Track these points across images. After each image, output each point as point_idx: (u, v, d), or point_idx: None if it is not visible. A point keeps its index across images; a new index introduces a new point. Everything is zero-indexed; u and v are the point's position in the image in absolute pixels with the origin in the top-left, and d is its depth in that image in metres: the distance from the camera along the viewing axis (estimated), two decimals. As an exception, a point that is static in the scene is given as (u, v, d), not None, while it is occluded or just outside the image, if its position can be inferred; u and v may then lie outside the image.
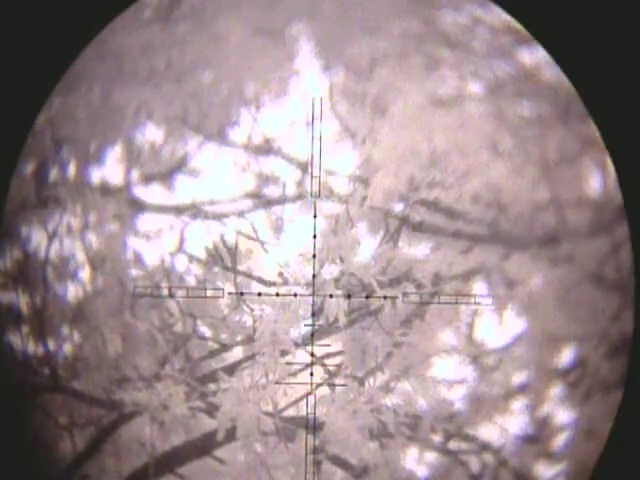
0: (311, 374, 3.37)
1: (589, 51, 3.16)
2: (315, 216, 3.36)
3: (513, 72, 3.35)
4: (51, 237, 3.40)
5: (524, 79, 3.35)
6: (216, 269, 3.40)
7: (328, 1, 3.37)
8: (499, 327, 3.39)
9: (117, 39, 3.40)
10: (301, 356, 3.39)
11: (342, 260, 3.38)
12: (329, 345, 3.40)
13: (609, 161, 3.35)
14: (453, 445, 3.41)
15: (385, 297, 3.37)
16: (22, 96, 3.16)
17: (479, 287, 3.39)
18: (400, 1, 3.35)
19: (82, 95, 3.41)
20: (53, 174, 3.42)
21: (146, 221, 3.40)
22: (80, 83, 3.41)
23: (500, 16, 3.35)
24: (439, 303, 3.37)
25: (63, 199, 3.41)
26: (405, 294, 3.37)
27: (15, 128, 3.17)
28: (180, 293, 3.38)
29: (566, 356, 3.39)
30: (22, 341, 3.39)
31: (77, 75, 3.39)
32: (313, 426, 3.33)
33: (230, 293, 3.38)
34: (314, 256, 3.36)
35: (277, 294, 3.37)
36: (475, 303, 3.37)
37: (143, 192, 3.40)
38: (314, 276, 3.37)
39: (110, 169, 3.39)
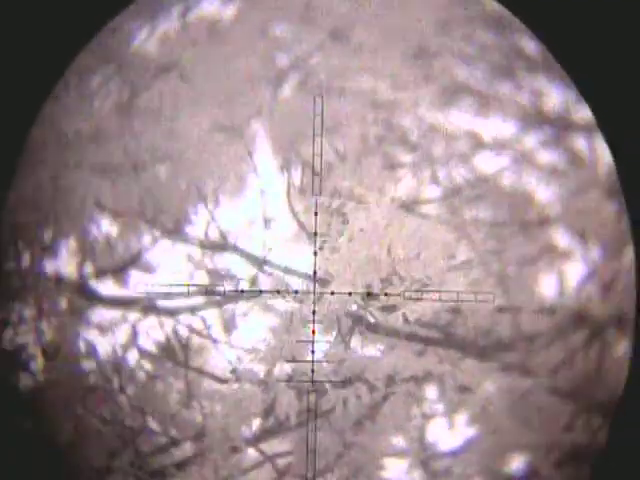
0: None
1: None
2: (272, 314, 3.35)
3: (471, 177, 3.32)
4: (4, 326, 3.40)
5: (482, 184, 3.32)
6: (168, 364, 3.38)
7: (286, 99, 3.35)
8: (450, 432, 3.37)
9: (70, 123, 3.39)
10: (252, 454, 3.38)
11: (294, 359, 3.36)
12: (279, 444, 3.38)
13: (566, 266, 3.33)
14: None
15: (337, 397, 3.35)
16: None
17: (431, 390, 3.36)
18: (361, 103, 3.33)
19: (37, 182, 3.41)
20: (8, 264, 3.41)
21: (99, 314, 3.38)
22: (37, 169, 3.41)
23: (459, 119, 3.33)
24: (391, 405, 3.35)
25: (17, 288, 3.40)
26: (357, 395, 3.35)
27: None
28: (131, 387, 3.37)
29: (517, 464, 3.36)
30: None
31: (31, 161, 3.39)
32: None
33: (181, 389, 3.37)
34: (265, 353, 3.34)
35: (229, 391, 3.35)
36: (427, 407, 3.35)
37: (97, 285, 3.39)
38: (266, 373, 3.35)
39: (64, 261, 3.38)
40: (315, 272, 3.35)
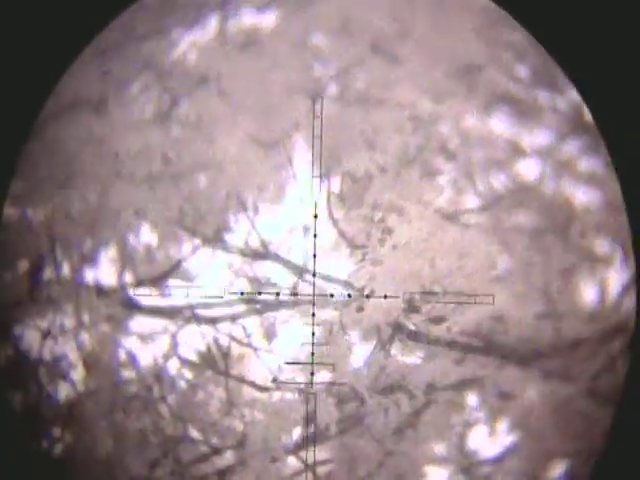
0: None
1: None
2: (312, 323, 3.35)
3: (511, 185, 3.33)
4: (45, 336, 3.39)
5: (523, 193, 3.33)
6: (208, 373, 3.38)
7: (327, 111, 3.36)
8: (491, 439, 3.37)
9: (114, 137, 3.39)
10: (292, 463, 3.38)
11: (334, 367, 3.36)
12: (320, 452, 3.38)
13: (607, 274, 3.34)
14: None
15: (377, 405, 3.35)
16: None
17: (472, 398, 3.36)
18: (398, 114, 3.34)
19: (79, 194, 3.40)
20: (47, 273, 3.41)
21: (139, 323, 3.38)
22: (77, 181, 3.40)
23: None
24: (431, 413, 3.36)
25: (57, 298, 3.40)
26: (397, 403, 3.35)
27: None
28: (171, 396, 3.37)
29: (557, 470, 3.37)
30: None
31: (74, 173, 3.39)
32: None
33: (221, 397, 3.37)
34: (307, 363, 3.35)
35: (269, 399, 3.35)
36: (467, 414, 3.35)
37: (137, 294, 3.38)
38: (306, 382, 3.35)
39: (104, 270, 3.38)
40: (355, 282, 3.35)
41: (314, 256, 3.35)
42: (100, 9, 3.37)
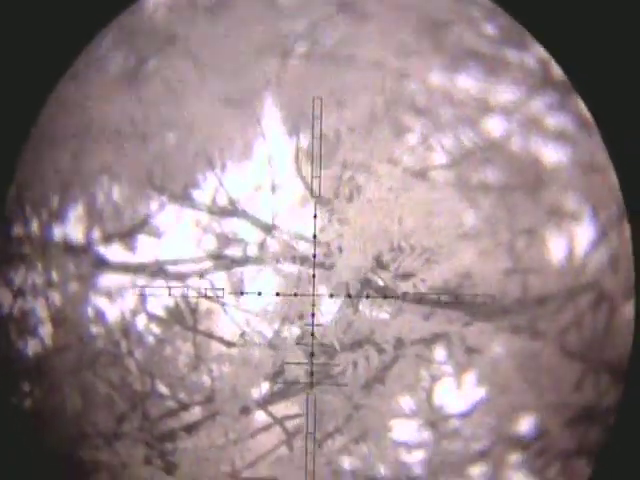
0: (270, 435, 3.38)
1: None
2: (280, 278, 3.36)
3: (479, 142, 3.33)
4: (15, 293, 3.40)
5: (491, 149, 3.34)
6: (176, 328, 3.39)
7: (294, 70, 3.36)
8: (458, 393, 3.38)
9: (82, 97, 3.39)
10: (261, 417, 3.39)
11: (303, 322, 3.37)
12: (289, 407, 3.39)
13: (575, 231, 3.35)
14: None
15: (346, 360, 3.36)
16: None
17: (440, 353, 3.38)
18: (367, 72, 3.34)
19: (47, 152, 3.40)
20: (17, 230, 3.41)
21: (107, 279, 3.39)
22: (44, 140, 3.41)
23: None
24: (400, 367, 3.37)
25: (26, 255, 3.40)
26: (366, 357, 3.36)
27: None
28: (139, 351, 3.38)
29: (526, 425, 3.38)
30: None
31: (43, 132, 3.39)
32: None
33: (189, 353, 3.38)
34: (275, 316, 3.35)
35: (237, 354, 3.36)
36: (435, 368, 3.36)
37: (105, 251, 3.39)
38: (274, 336, 3.36)
39: (72, 227, 3.38)
40: (319, 238, 3.35)
41: (281, 213, 3.35)
42: (100, 9, 3.37)
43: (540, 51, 3.37)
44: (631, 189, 3.23)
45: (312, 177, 3.35)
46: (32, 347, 3.41)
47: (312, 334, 3.37)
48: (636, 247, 3.33)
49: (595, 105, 3.24)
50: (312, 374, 3.37)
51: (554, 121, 3.36)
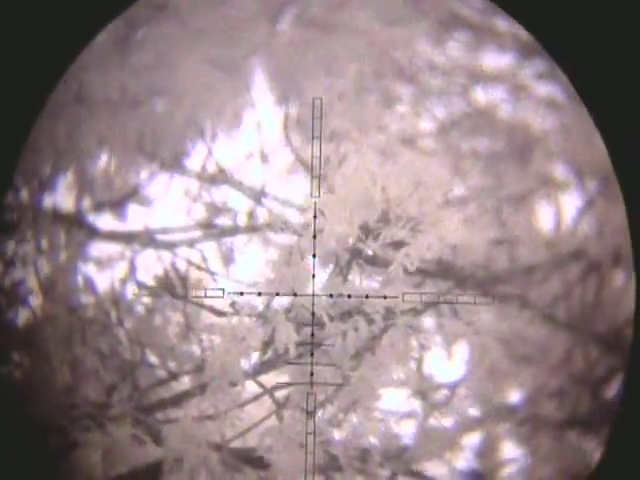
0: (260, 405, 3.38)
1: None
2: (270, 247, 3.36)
3: (468, 110, 3.34)
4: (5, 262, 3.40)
5: (480, 117, 3.34)
6: (166, 298, 3.39)
7: (284, 37, 3.36)
8: (448, 363, 3.38)
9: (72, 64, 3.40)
10: (251, 387, 3.39)
11: (293, 291, 3.37)
12: (279, 376, 3.39)
13: (563, 199, 3.35)
14: (401, 480, 3.41)
15: (336, 330, 3.36)
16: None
17: (429, 322, 3.37)
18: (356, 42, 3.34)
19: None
20: (7, 199, 3.41)
21: (97, 248, 3.39)
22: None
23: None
24: (389, 337, 3.37)
25: (16, 224, 3.40)
26: (356, 328, 3.36)
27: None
28: (129, 321, 3.38)
29: (515, 394, 3.38)
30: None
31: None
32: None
33: (179, 322, 3.38)
34: (264, 286, 3.35)
35: (227, 324, 3.36)
36: (425, 339, 3.36)
37: (95, 219, 3.39)
38: (265, 306, 3.36)
39: (62, 196, 3.39)
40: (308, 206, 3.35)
41: (270, 182, 3.36)
42: (100, 9, 3.37)
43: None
44: (631, 189, 3.23)
45: (301, 145, 3.35)
46: (22, 317, 3.41)
47: (302, 305, 3.36)
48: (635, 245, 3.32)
49: (595, 105, 3.24)
50: (302, 344, 3.37)
51: (543, 89, 3.37)
